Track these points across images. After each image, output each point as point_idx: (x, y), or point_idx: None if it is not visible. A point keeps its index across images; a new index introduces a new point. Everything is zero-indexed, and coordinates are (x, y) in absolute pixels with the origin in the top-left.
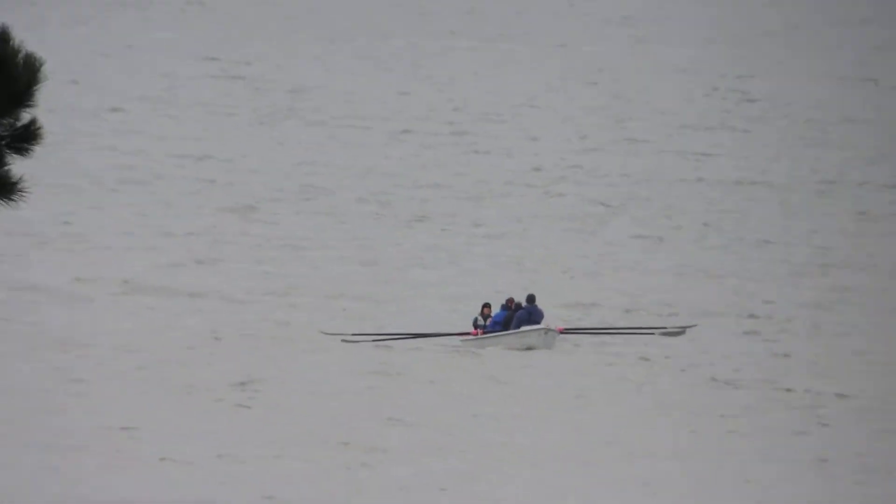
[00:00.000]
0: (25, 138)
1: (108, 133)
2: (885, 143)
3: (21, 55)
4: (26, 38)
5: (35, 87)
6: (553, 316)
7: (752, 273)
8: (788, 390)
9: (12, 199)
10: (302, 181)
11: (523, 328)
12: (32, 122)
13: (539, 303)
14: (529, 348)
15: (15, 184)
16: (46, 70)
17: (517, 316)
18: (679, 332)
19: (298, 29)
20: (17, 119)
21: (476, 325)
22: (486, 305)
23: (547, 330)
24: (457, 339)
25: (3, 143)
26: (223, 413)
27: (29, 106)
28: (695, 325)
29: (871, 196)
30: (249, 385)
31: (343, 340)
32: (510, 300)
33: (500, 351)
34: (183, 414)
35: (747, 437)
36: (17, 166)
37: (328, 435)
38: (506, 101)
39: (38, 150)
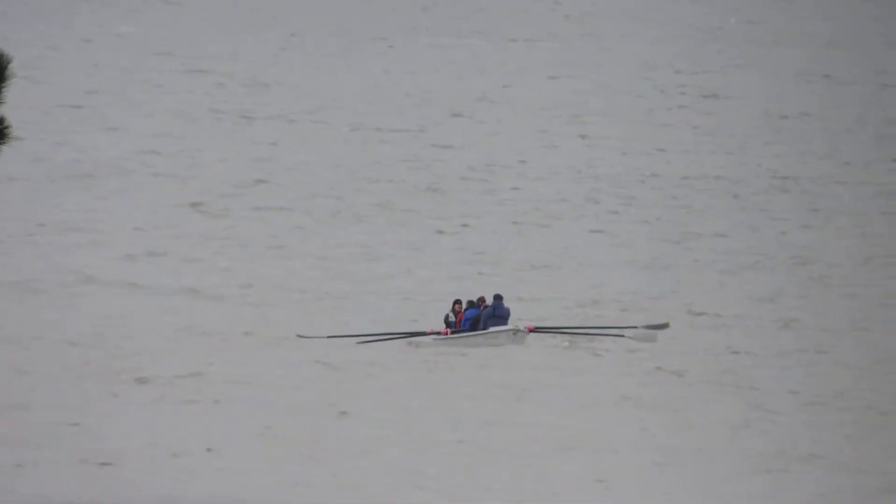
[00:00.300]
0: None
1: (65, 127)
2: (837, 138)
3: None
4: None
5: (2, 85)
6: (519, 312)
7: (705, 267)
8: (739, 386)
9: None
10: (257, 176)
11: (492, 329)
12: (0, 120)
13: (502, 300)
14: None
15: None
16: (14, 68)
17: (484, 314)
18: (651, 334)
19: (261, 24)
20: None
21: (447, 322)
22: (457, 302)
23: (516, 330)
24: (429, 338)
25: None
26: (172, 408)
27: None
28: (666, 326)
29: (823, 191)
30: (201, 378)
31: (298, 337)
32: (480, 298)
33: (467, 350)
34: (132, 408)
35: (696, 431)
36: None
37: (279, 429)
38: (465, 97)
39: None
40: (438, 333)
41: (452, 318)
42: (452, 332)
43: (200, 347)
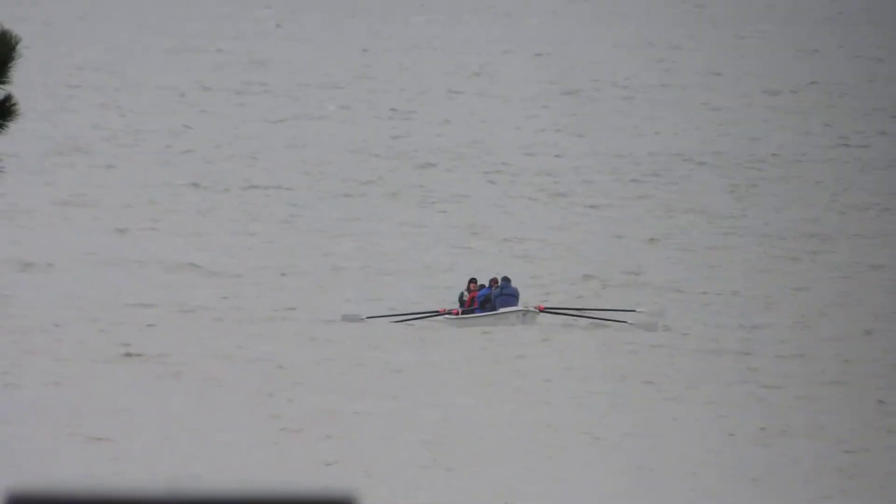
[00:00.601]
0: (1, 114)
1: (55, 106)
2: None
3: None
4: None
5: (10, 65)
6: (526, 293)
7: (696, 242)
8: (744, 353)
9: None
10: (245, 153)
11: (502, 309)
12: (7, 98)
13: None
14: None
15: None
16: (21, 48)
17: (493, 293)
18: (652, 321)
19: (251, 3)
20: None
21: (461, 301)
22: (472, 281)
23: (526, 311)
24: (441, 318)
25: None
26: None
27: (4, 83)
28: (663, 314)
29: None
30: (168, 358)
31: (340, 320)
32: (493, 280)
33: (471, 331)
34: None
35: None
36: None
37: (250, 407)
38: (452, 73)
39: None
40: (450, 313)
41: (466, 296)
42: (463, 312)
43: (193, 326)
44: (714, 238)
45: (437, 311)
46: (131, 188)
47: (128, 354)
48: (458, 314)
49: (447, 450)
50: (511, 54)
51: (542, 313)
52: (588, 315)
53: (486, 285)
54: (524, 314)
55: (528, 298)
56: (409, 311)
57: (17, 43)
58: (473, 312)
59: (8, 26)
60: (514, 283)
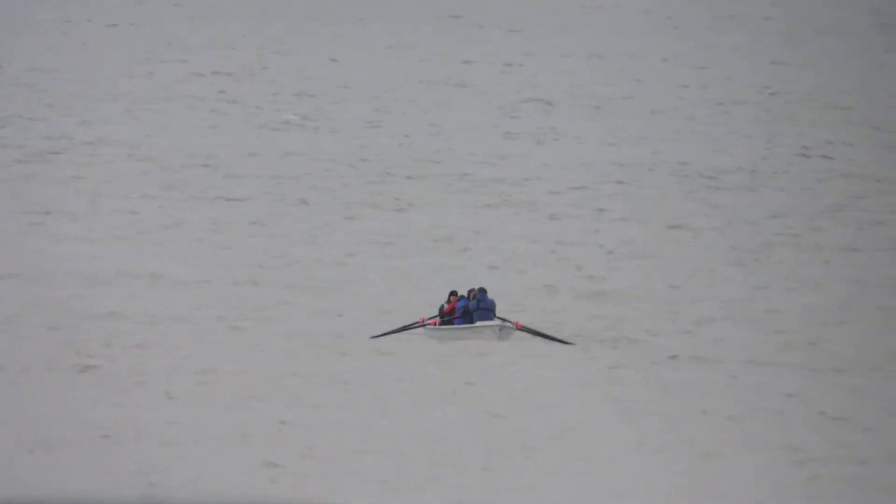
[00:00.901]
0: None
1: (27, 109)
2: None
3: None
4: None
5: None
6: (505, 306)
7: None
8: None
9: None
10: (209, 162)
11: (479, 323)
12: None
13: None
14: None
15: None
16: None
17: (471, 305)
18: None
19: (228, 13)
20: None
21: (441, 311)
22: (453, 293)
23: (502, 326)
24: (421, 328)
25: None
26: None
27: None
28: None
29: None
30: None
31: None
32: (471, 290)
33: (447, 343)
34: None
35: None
36: None
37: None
38: (418, 83)
39: None
40: (431, 323)
41: (445, 305)
42: (442, 321)
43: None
44: (688, 249)
45: (417, 322)
46: (94, 196)
47: (87, 367)
48: (435, 324)
49: (414, 465)
50: (479, 64)
51: (518, 330)
52: (560, 339)
53: (465, 296)
54: (500, 329)
55: (502, 308)
56: (395, 327)
57: None
58: (452, 322)
59: None
60: (488, 295)
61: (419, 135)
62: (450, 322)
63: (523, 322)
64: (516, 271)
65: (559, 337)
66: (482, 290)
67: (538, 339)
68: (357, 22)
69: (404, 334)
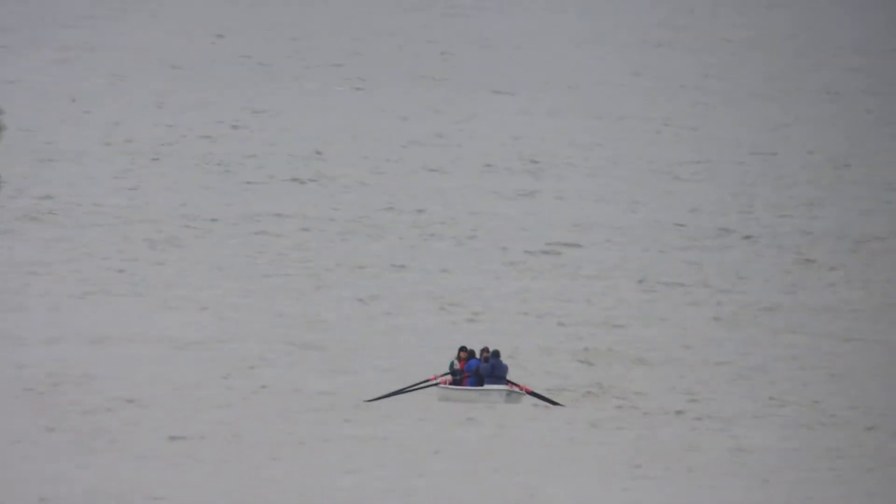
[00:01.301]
0: None
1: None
2: None
3: None
4: None
5: None
6: (519, 371)
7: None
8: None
9: None
10: (186, 214)
11: (487, 387)
12: None
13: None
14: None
15: None
16: (3, 120)
17: (483, 369)
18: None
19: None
20: None
21: (452, 370)
22: (463, 349)
23: (510, 391)
24: (434, 386)
25: None
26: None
27: None
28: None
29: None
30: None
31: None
32: (484, 349)
33: (451, 403)
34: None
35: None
36: None
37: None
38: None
39: None
40: (443, 382)
41: (457, 364)
42: (452, 383)
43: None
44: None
45: (428, 380)
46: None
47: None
48: (446, 384)
49: None
50: (473, 121)
51: (527, 395)
52: (553, 401)
53: (476, 356)
54: (509, 393)
55: (513, 373)
56: (406, 385)
57: None
58: (463, 384)
59: None
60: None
61: (406, 194)
62: (460, 382)
63: (530, 388)
64: (513, 334)
65: (556, 400)
66: (496, 354)
67: (542, 402)
68: (343, 82)
69: (413, 393)
